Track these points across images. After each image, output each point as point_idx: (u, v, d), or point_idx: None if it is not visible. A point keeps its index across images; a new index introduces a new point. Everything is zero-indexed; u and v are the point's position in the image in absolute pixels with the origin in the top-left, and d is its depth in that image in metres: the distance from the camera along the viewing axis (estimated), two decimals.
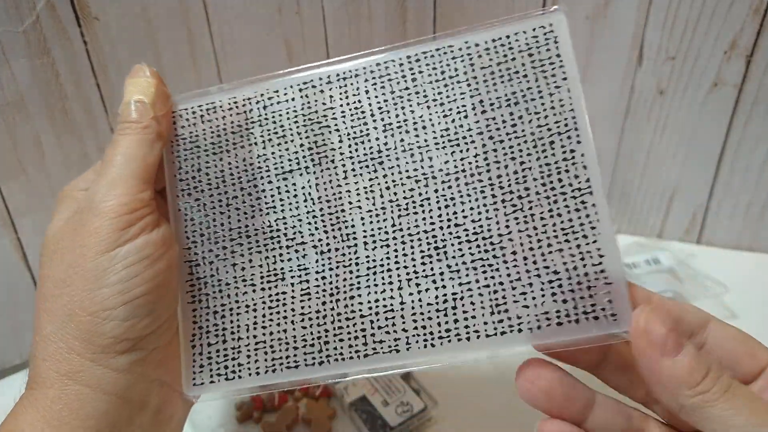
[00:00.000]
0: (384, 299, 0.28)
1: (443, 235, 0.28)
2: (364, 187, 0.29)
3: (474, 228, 0.27)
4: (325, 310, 0.29)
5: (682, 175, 0.56)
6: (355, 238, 0.29)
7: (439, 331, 0.27)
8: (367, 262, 0.29)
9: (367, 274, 0.28)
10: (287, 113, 0.30)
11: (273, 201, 0.30)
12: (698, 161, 0.55)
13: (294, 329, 0.29)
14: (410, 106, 0.29)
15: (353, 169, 0.29)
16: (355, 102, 0.30)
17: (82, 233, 0.27)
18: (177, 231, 0.30)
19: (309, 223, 0.29)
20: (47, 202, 0.46)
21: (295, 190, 0.30)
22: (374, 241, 0.29)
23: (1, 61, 0.40)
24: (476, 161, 0.28)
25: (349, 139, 0.29)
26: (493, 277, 0.27)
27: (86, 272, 0.26)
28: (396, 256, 0.28)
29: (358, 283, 0.28)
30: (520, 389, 0.25)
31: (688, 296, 0.51)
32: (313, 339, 0.28)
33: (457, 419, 0.43)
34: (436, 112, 0.29)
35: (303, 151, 0.30)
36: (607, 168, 0.58)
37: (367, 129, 0.29)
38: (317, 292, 0.29)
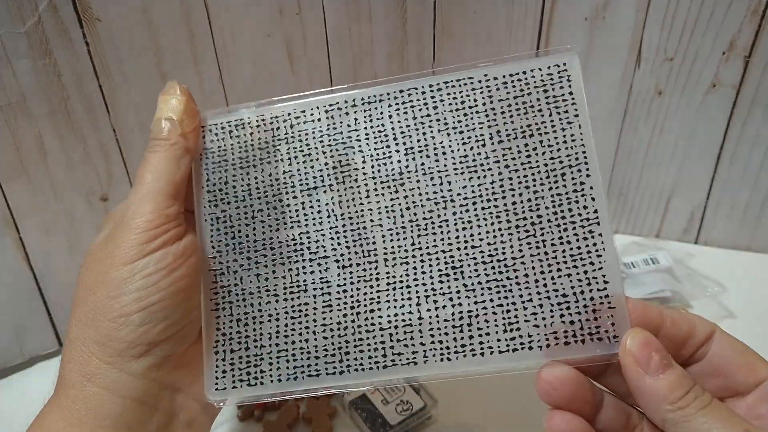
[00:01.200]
0: (403, 314, 0.29)
1: (460, 255, 0.29)
2: (386, 207, 0.31)
3: (489, 250, 0.29)
4: (346, 322, 0.30)
5: (681, 175, 0.56)
6: (375, 255, 0.30)
7: (455, 346, 0.29)
8: (387, 277, 0.30)
9: (387, 290, 0.30)
10: (313, 133, 0.32)
11: (297, 216, 0.31)
12: (696, 161, 0.55)
13: (315, 339, 0.30)
14: (431, 132, 0.31)
15: (375, 189, 0.31)
16: (378, 125, 0.31)
17: (111, 245, 0.29)
18: (202, 240, 0.32)
19: (332, 239, 0.31)
20: (49, 202, 0.46)
21: (319, 206, 0.31)
22: (394, 258, 0.30)
23: (4, 61, 0.40)
24: (493, 188, 0.30)
25: (372, 160, 0.31)
26: (506, 297, 0.29)
27: (109, 281, 0.28)
28: (415, 274, 0.30)
29: (378, 297, 0.30)
30: (539, 389, 0.27)
31: (686, 296, 0.52)
32: (334, 349, 0.30)
33: (457, 418, 0.43)
34: (456, 140, 0.30)
35: (327, 169, 0.31)
36: (605, 168, 0.58)
37: (390, 151, 0.31)
38: (338, 305, 0.30)
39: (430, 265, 0.30)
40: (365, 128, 0.31)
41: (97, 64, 0.43)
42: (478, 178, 0.30)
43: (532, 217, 0.29)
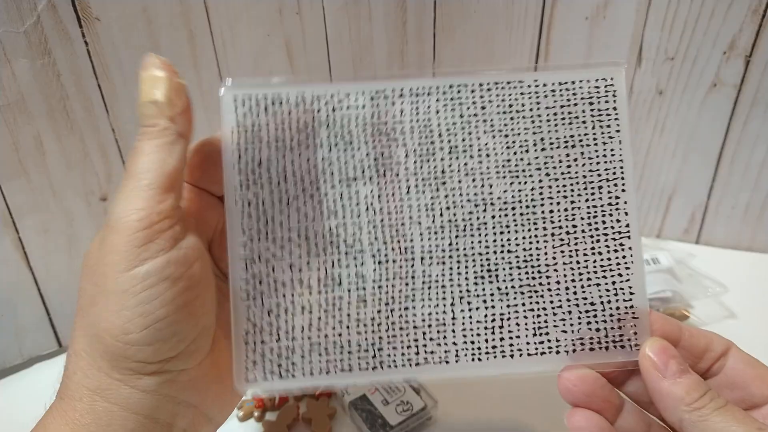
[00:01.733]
0: (437, 313, 0.30)
1: (496, 259, 0.30)
2: (426, 204, 0.30)
3: (525, 256, 0.30)
4: (380, 318, 0.30)
5: (681, 175, 0.56)
6: (413, 252, 0.30)
7: (486, 347, 0.29)
8: (423, 276, 0.30)
9: (422, 288, 0.30)
10: (356, 119, 0.30)
11: (335, 206, 0.30)
12: (697, 161, 0.55)
13: (349, 334, 0.30)
14: (477, 132, 0.30)
15: (416, 186, 0.30)
16: (425, 120, 0.31)
17: (103, 250, 0.26)
18: (232, 224, 0.30)
19: (369, 233, 0.30)
20: (48, 202, 0.46)
21: (357, 198, 0.30)
22: (431, 257, 0.30)
23: (2, 61, 0.40)
24: (532, 194, 0.30)
25: (415, 155, 0.30)
26: (537, 302, 0.29)
27: (107, 292, 0.26)
28: (450, 274, 0.30)
29: (413, 295, 0.30)
30: (562, 390, 0.28)
31: (687, 296, 0.52)
32: (367, 345, 0.30)
33: (457, 418, 0.43)
34: (501, 142, 0.30)
35: (369, 160, 0.31)
36: None
37: (434, 148, 0.30)
38: (373, 300, 0.30)
39: (466, 267, 0.30)
40: (410, 121, 0.30)
41: (96, 63, 0.43)
42: (519, 183, 0.30)
43: (567, 227, 0.29)
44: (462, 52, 0.56)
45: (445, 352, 0.29)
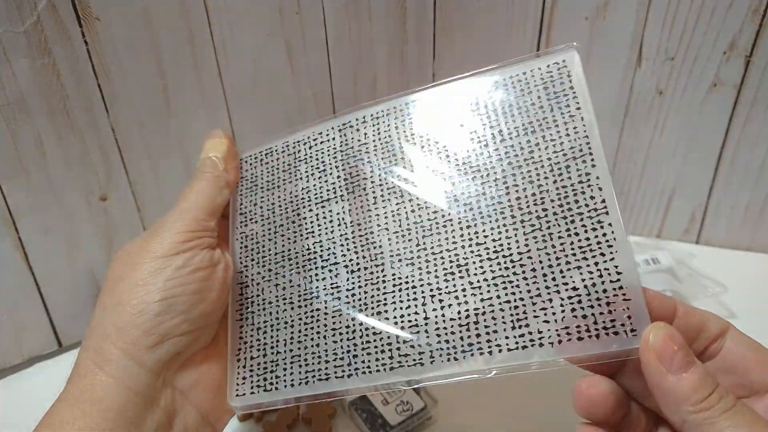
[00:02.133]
0: (409, 314, 0.30)
1: (465, 253, 0.29)
2: (392, 211, 0.31)
3: (494, 246, 0.29)
4: (354, 325, 0.30)
5: (682, 174, 0.56)
6: (382, 257, 0.31)
7: (462, 345, 0.28)
8: (393, 279, 0.30)
9: (393, 291, 0.30)
10: (328, 150, 0.34)
11: (312, 226, 0.33)
12: (697, 161, 0.55)
13: (326, 343, 0.31)
14: (435, 138, 0.32)
15: (382, 195, 0.32)
16: (385, 137, 0.33)
17: (148, 241, 0.31)
18: (234, 258, 0.34)
19: (342, 245, 0.32)
20: (48, 202, 0.46)
21: (331, 215, 0.33)
22: (400, 260, 0.31)
23: (3, 61, 0.40)
24: (496, 185, 0.30)
25: (379, 169, 0.33)
26: (513, 293, 0.28)
27: (141, 271, 0.30)
28: (420, 274, 0.30)
29: (385, 299, 0.30)
30: (579, 405, 0.26)
31: (687, 296, 0.52)
32: (342, 353, 0.30)
33: (457, 418, 0.43)
34: (458, 143, 0.31)
35: (340, 181, 0.33)
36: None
37: (396, 159, 0.32)
38: (347, 309, 0.31)
39: (435, 265, 0.30)
40: (374, 141, 0.33)
41: (96, 63, 0.43)
42: (482, 177, 0.30)
43: (537, 211, 0.29)
44: (462, 52, 0.56)
45: (420, 354, 0.28)
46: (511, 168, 0.30)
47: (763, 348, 0.26)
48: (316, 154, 0.34)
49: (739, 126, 0.52)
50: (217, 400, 0.32)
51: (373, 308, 0.30)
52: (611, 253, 0.27)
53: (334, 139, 0.34)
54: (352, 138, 0.34)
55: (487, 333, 0.28)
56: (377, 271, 0.31)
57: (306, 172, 0.34)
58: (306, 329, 0.31)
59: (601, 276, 0.26)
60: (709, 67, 0.50)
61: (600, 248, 0.27)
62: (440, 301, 0.29)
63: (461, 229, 0.30)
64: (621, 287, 0.26)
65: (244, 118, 0.51)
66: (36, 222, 0.46)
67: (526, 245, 0.28)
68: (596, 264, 0.27)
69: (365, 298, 0.30)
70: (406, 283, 0.30)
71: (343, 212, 0.32)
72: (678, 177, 0.56)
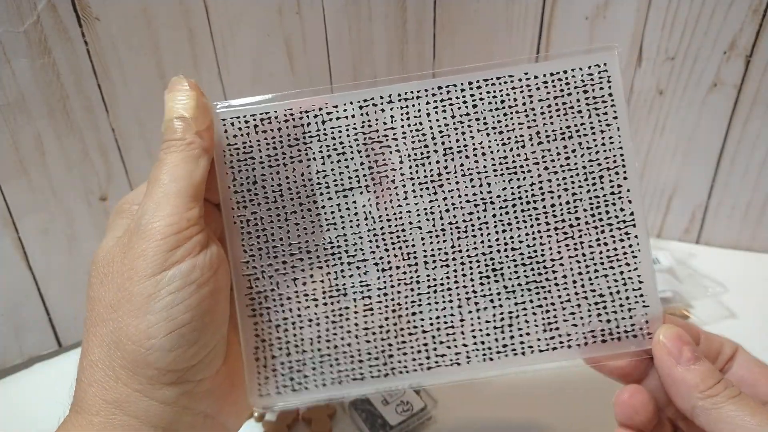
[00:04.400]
0: (445, 316, 0.30)
1: (500, 257, 0.30)
2: (425, 209, 0.30)
3: (529, 252, 0.30)
4: (388, 325, 0.30)
5: (682, 174, 0.56)
6: (415, 257, 0.30)
7: (497, 347, 0.29)
8: (428, 280, 0.30)
9: (428, 292, 0.30)
10: (347, 130, 0.30)
11: (333, 218, 0.30)
12: (697, 161, 0.55)
13: (358, 343, 0.30)
14: (470, 131, 0.30)
15: (413, 191, 0.30)
16: (416, 124, 0.30)
17: (130, 255, 0.26)
18: (232, 243, 0.30)
19: (370, 241, 0.30)
20: (48, 202, 0.46)
21: (355, 207, 0.30)
22: (434, 261, 0.30)
23: (2, 61, 0.40)
24: (532, 189, 0.30)
25: (410, 160, 0.30)
26: (545, 298, 0.29)
27: (133, 297, 0.26)
28: (455, 276, 0.30)
29: (420, 300, 0.30)
30: (621, 412, 0.28)
31: (687, 296, 0.51)
32: (377, 352, 0.30)
33: (457, 418, 0.43)
34: (496, 140, 0.30)
35: (363, 169, 0.30)
36: None
37: (428, 151, 0.30)
38: (380, 308, 0.30)
39: (471, 268, 0.30)
40: (402, 126, 0.30)
41: (96, 63, 0.43)
42: (518, 179, 0.30)
43: (570, 219, 0.29)
44: (462, 52, 0.56)
45: (456, 354, 0.30)
46: (547, 173, 0.29)
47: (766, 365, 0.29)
48: (332, 132, 0.30)
49: (739, 126, 0.52)
50: (240, 405, 0.30)
51: (407, 309, 0.30)
52: (635, 263, 0.29)
53: (353, 116, 0.30)
54: (377, 119, 0.30)
55: (521, 335, 0.29)
56: (410, 271, 0.30)
57: (320, 152, 0.30)
58: (335, 328, 0.30)
59: (625, 284, 0.29)
60: (710, 67, 0.50)
61: (626, 259, 0.29)
62: (476, 303, 0.30)
63: (497, 233, 0.30)
64: (642, 295, 0.29)
65: None
66: (36, 222, 0.46)
67: (559, 252, 0.29)
68: (621, 273, 0.29)
69: (398, 298, 0.30)
70: (441, 285, 0.30)
71: (370, 205, 0.30)
72: (678, 177, 0.56)
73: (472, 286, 0.30)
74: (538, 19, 0.53)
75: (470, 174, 0.30)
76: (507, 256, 0.29)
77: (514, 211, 0.30)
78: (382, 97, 0.30)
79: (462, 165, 0.30)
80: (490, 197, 0.30)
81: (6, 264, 0.46)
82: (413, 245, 0.30)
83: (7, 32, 0.40)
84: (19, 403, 0.46)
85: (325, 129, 0.30)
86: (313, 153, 0.30)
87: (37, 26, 0.40)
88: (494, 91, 0.30)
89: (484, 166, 0.30)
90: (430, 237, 0.30)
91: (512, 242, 0.29)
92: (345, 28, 0.51)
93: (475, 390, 0.44)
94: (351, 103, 0.30)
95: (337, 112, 0.30)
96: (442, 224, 0.30)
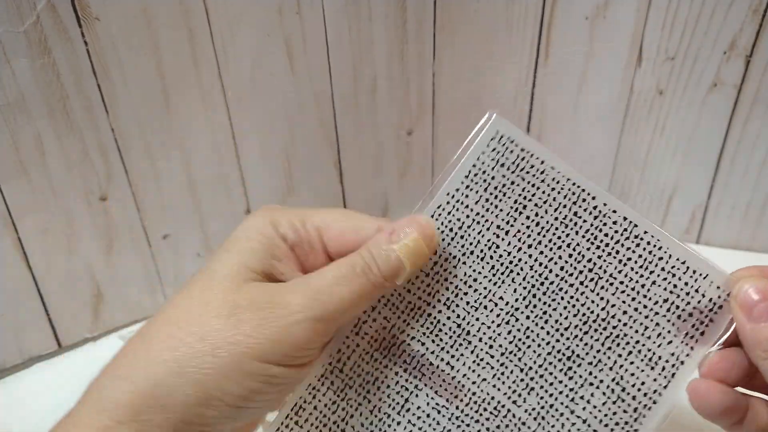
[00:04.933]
0: (567, 422, 0.29)
1: (569, 343, 0.29)
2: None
3: (584, 319, 0.29)
4: None
5: (682, 174, 0.56)
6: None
7: (628, 418, 0.28)
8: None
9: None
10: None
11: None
12: (697, 161, 0.55)
13: None
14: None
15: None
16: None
17: (242, 332, 0.26)
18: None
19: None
20: (48, 202, 0.46)
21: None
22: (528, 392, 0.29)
23: (2, 61, 0.40)
24: (577, 299, 0.29)
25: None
26: (627, 343, 0.28)
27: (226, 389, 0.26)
28: (545, 388, 0.29)
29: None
30: (696, 400, 0.27)
31: None
32: None
33: None
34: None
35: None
36: (606, 168, 0.58)
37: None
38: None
39: (551, 372, 0.29)
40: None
41: (95, 63, 0.43)
42: (587, 285, 0.29)
43: (585, 271, 0.29)
44: (462, 52, 0.56)
45: None
46: (564, 281, 0.29)
47: None
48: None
49: (739, 126, 0.52)
50: None
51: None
52: (666, 253, 0.30)
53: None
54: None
55: (637, 389, 0.28)
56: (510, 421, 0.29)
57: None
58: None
59: (674, 275, 0.29)
60: (710, 67, 0.50)
61: (655, 258, 0.30)
62: (581, 397, 0.29)
63: (546, 323, 0.29)
64: (695, 271, 0.29)
65: (244, 118, 0.51)
66: (36, 222, 0.46)
67: (602, 299, 0.29)
68: (663, 269, 0.29)
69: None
70: (542, 408, 0.29)
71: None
72: (678, 177, 0.56)
73: (564, 385, 0.29)
74: (538, 19, 0.53)
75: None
76: (571, 335, 0.29)
77: (552, 290, 0.29)
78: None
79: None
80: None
81: (6, 264, 0.46)
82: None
83: (7, 32, 0.40)
84: (19, 403, 0.46)
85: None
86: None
87: (37, 26, 0.40)
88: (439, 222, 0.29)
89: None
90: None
91: (563, 322, 0.29)
92: (345, 28, 0.51)
93: None
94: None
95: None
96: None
